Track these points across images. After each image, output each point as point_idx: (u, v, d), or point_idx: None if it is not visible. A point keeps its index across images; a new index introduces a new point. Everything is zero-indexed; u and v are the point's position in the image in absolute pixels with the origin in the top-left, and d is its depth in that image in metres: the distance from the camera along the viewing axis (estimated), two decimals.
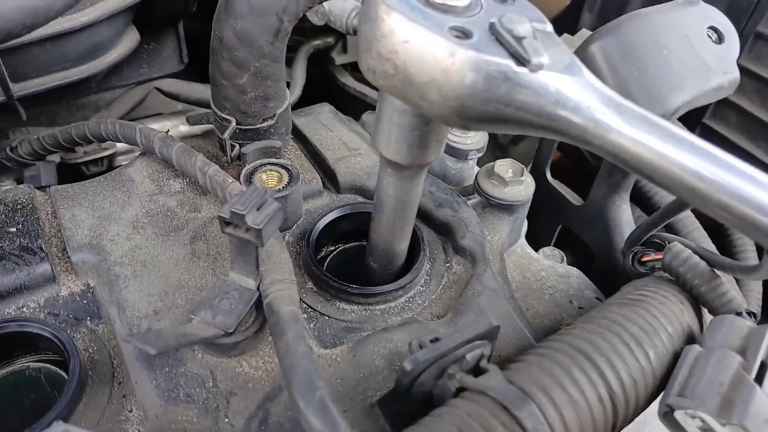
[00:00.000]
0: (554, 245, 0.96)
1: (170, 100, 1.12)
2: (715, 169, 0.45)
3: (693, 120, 1.14)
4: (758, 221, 0.45)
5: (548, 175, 0.95)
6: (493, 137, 1.11)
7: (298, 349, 0.51)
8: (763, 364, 0.55)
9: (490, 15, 0.47)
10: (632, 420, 0.57)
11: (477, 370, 0.52)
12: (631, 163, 0.46)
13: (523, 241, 0.87)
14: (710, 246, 0.92)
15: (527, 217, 0.93)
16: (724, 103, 1.11)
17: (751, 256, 0.99)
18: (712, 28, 0.82)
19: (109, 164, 1.09)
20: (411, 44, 0.44)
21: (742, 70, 1.07)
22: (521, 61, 0.44)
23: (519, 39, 0.45)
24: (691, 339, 0.61)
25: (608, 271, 0.89)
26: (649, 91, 0.76)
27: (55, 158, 1.01)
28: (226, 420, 0.56)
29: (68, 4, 0.59)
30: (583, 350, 0.53)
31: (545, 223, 0.97)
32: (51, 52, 0.80)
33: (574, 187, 0.99)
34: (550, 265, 0.83)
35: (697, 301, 0.64)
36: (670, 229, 0.94)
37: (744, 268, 0.61)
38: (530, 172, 0.99)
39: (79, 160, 1.05)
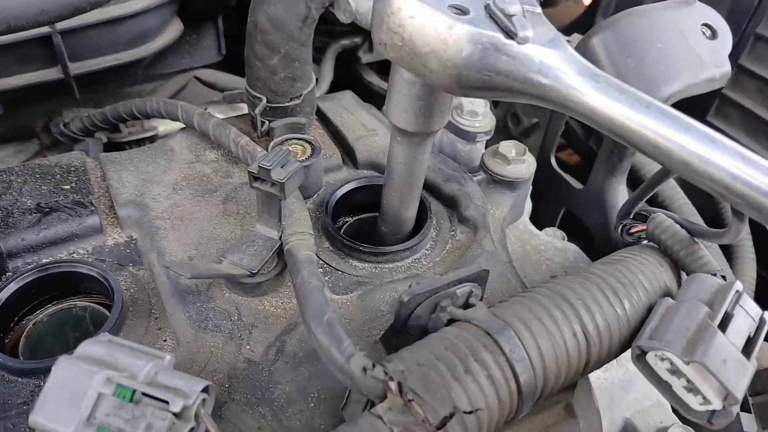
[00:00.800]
0: (560, 228, 1.03)
1: (208, 90, 1.22)
2: (674, 131, 0.52)
3: (697, 118, 1.19)
4: (716, 177, 0.51)
5: (553, 161, 1.02)
6: (505, 129, 1.18)
7: (311, 282, 0.59)
8: (726, 314, 0.61)
9: None
10: (606, 362, 0.63)
11: (466, 306, 0.59)
12: (604, 124, 0.53)
13: (526, 219, 0.94)
14: (696, 217, 0.98)
15: (533, 200, 1.01)
16: (727, 101, 1.17)
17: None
18: (706, 25, 0.89)
19: (150, 144, 1.19)
20: (416, 19, 0.52)
21: (744, 70, 1.13)
22: (510, 34, 0.52)
23: (509, 16, 0.52)
24: (668, 295, 0.67)
25: (606, 251, 0.95)
26: (644, 80, 0.83)
27: (102, 137, 1.11)
28: (248, 347, 0.64)
29: None
30: (562, 294, 0.60)
31: (549, 207, 1.04)
32: (105, 35, 0.90)
33: (579, 177, 1.06)
34: (550, 241, 0.90)
35: (676, 265, 0.70)
36: (661, 204, 1.00)
37: (716, 233, 0.67)
38: (537, 159, 1.06)
39: (123, 140, 1.15)
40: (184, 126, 0.91)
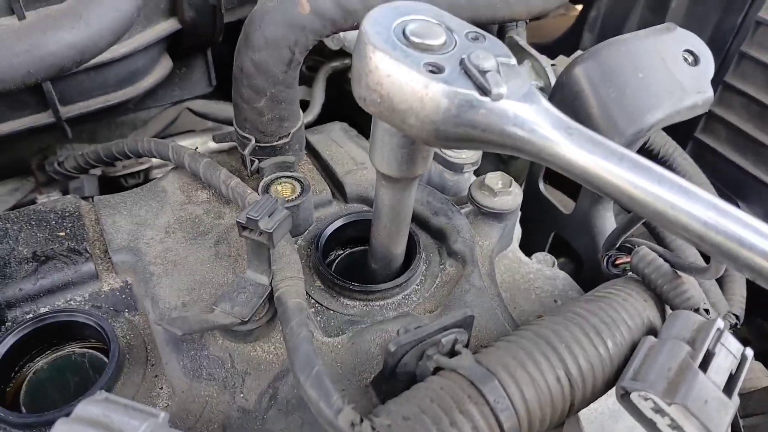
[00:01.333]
0: (551, 252, 1.04)
1: (200, 119, 1.23)
2: (648, 182, 0.53)
3: (685, 134, 1.21)
4: (689, 228, 0.52)
5: (541, 186, 1.03)
6: (492, 153, 1.20)
7: (301, 333, 0.61)
8: (708, 353, 0.63)
9: (462, 51, 0.56)
10: (590, 402, 0.65)
11: (452, 353, 0.60)
12: (579, 176, 0.54)
13: (515, 246, 0.95)
14: (692, 251, 0.99)
15: (522, 225, 1.02)
16: (714, 118, 1.18)
17: None
18: (688, 51, 0.90)
19: (145, 177, 1.20)
20: (393, 78, 0.53)
21: (729, 87, 1.14)
22: (485, 91, 0.53)
23: (483, 72, 0.53)
24: (652, 332, 0.68)
25: (595, 275, 0.96)
26: (627, 110, 0.84)
27: (97, 172, 1.13)
28: (242, 395, 0.66)
29: (110, 42, 0.70)
30: (545, 337, 0.61)
31: (539, 231, 1.05)
32: (94, 79, 0.92)
33: (572, 194, 1.07)
34: (539, 269, 0.91)
35: (660, 299, 0.71)
36: (657, 235, 1.01)
37: (699, 269, 0.68)
38: (525, 183, 1.08)
39: (118, 173, 1.16)
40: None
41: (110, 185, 1.16)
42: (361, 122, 1.19)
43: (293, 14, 0.75)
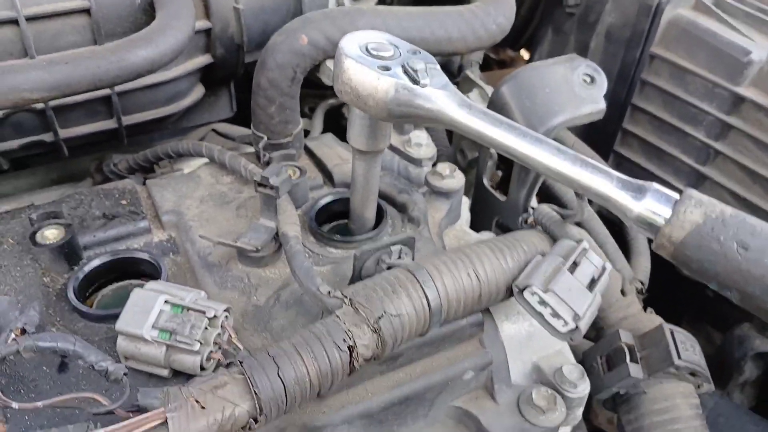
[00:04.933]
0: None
1: (222, 139, 1.55)
2: (515, 137, 0.82)
3: (606, 148, 1.52)
4: (548, 167, 0.82)
5: (485, 181, 1.33)
6: (455, 162, 1.50)
7: (296, 247, 0.90)
8: (575, 263, 0.91)
9: (404, 59, 0.86)
10: (497, 300, 0.92)
11: (399, 259, 0.89)
12: (475, 136, 0.84)
13: (463, 222, 1.24)
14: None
15: (471, 213, 1.31)
16: (628, 133, 1.49)
17: None
18: (586, 74, 1.21)
19: None
20: (357, 75, 0.83)
21: (637, 108, 1.46)
22: (415, 81, 0.83)
23: (416, 71, 0.84)
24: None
25: None
26: (537, 115, 1.15)
27: (140, 176, 1.43)
28: (255, 298, 0.94)
29: (170, 59, 1.02)
30: (463, 251, 0.90)
31: (485, 217, 1.34)
32: (149, 95, 1.24)
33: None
34: (479, 237, 1.20)
35: (552, 238, 1.00)
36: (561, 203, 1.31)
37: (571, 213, 0.97)
38: (475, 181, 1.38)
39: (156, 177, 1.47)
40: (206, 162, 1.24)
41: None
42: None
43: (296, 45, 1.07)
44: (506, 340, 1.03)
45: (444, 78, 0.87)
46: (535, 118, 1.15)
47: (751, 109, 1.23)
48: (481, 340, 0.99)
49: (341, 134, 1.86)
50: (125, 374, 0.68)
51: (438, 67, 0.88)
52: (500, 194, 1.35)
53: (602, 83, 1.21)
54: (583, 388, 1.02)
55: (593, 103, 1.19)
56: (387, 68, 0.84)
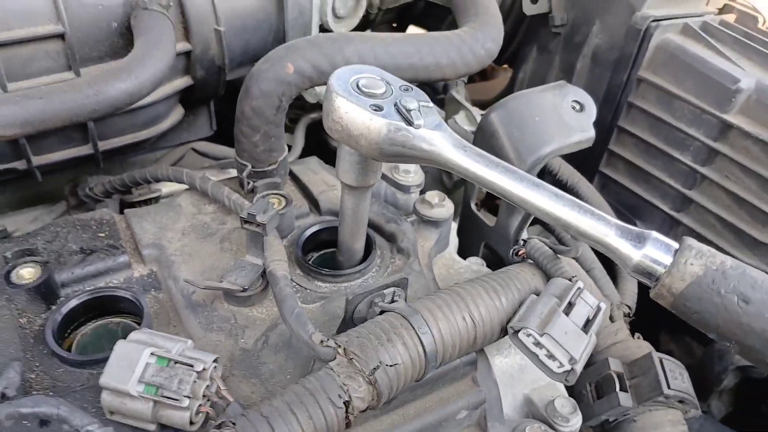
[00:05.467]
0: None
1: (202, 158, 1.51)
2: (511, 180, 0.80)
3: (592, 169, 1.52)
4: (545, 211, 0.80)
5: (473, 206, 1.32)
6: (441, 182, 1.49)
7: (286, 290, 0.87)
8: (570, 304, 0.90)
9: (396, 98, 0.84)
10: (491, 341, 0.90)
11: (392, 302, 0.87)
12: (471, 177, 0.82)
13: (452, 250, 1.23)
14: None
15: (459, 237, 1.30)
16: (614, 155, 1.49)
17: None
18: (575, 101, 1.21)
19: (155, 203, 1.46)
20: (349, 114, 0.81)
21: (623, 130, 1.46)
22: (409, 122, 0.81)
23: (409, 110, 0.82)
24: (535, 294, 0.95)
25: None
26: (526, 145, 1.14)
27: (116, 199, 1.38)
28: (242, 340, 0.91)
29: (150, 90, 0.98)
30: (457, 292, 0.88)
31: (472, 242, 1.33)
32: (126, 120, 1.19)
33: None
34: (468, 265, 1.18)
35: (545, 274, 0.99)
36: (557, 235, 1.30)
37: (567, 249, 0.96)
38: (462, 206, 1.36)
39: (134, 200, 1.42)
40: (185, 187, 1.20)
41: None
42: (331, 161, 1.47)
43: (281, 73, 1.04)
44: (498, 374, 1.02)
45: (437, 117, 0.85)
46: (525, 148, 1.14)
47: (738, 136, 1.23)
48: (474, 378, 0.97)
49: (322, 149, 1.85)
50: None
51: (431, 104, 0.86)
52: (486, 215, 1.34)
53: (591, 111, 1.20)
54: (576, 422, 1.01)
55: (582, 132, 1.18)
56: (379, 107, 0.81)
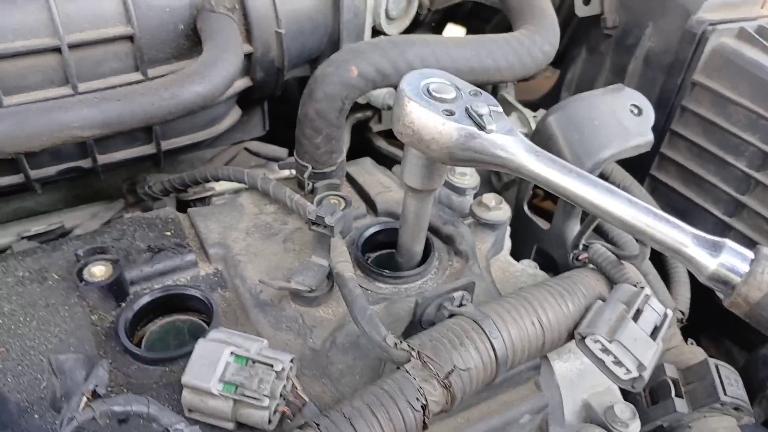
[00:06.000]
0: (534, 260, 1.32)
1: (254, 157, 1.53)
2: (585, 186, 0.81)
3: (643, 172, 1.51)
4: (619, 218, 0.80)
5: (525, 208, 1.32)
6: (489, 184, 1.49)
7: (356, 291, 0.88)
8: (638, 311, 0.90)
9: (466, 102, 0.84)
10: (558, 345, 0.91)
11: (461, 306, 0.88)
12: (543, 183, 0.83)
13: (506, 253, 1.23)
14: (635, 245, 1.26)
15: (512, 239, 1.30)
16: (665, 158, 1.48)
17: None
18: (634, 105, 1.20)
19: (208, 202, 1.49)
20: (421, 119, 0.81)
21: (675, 133, 1.45)
22: (481, 127, 0.82)
23: (480, 115, 0.82)
24: (601, 300, 0.95)
25: None
26: (585, 149, 1.14)
27: (173, 197, 1.41)
28: (311, 340, 0.93)
29: (222, 92, 1.00)
30: (525, 297, 0.89)
31: (524, 244, 1.33)
32: (188, 121, 1.21)
33: (547, 218, 1.36)
34: (524, 269, 1.18)
35: (609, 280, 0.99)
36: (609, 238, 1.29)
37: (633, 256, 0.96)
38: (513, 207, 1.36)
39: (188, 198, 1.44)
40: (235, 186, 1.22)
41: (182, 208, 1.44)
42: (379, 163, 1.48)
43: (346, 77, 1.05)
44: (558, 379, 1.02)
45: (508, 122, 0.85)
46: (583, 151, 1.14)
47: None
48: (537, 383, 0.98)
49: (366, 148, 1.86)
50: None
51: (500, 109, 0.87)
52: (539, 219, 1.34)
53: (649, 114, 1.20)
54: (635, 427, 1.02)
55: (641, 136, 1.18)
56: (451, 112, 0.82)
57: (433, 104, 0.82)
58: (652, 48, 1.44)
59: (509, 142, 0.82)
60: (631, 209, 0.79)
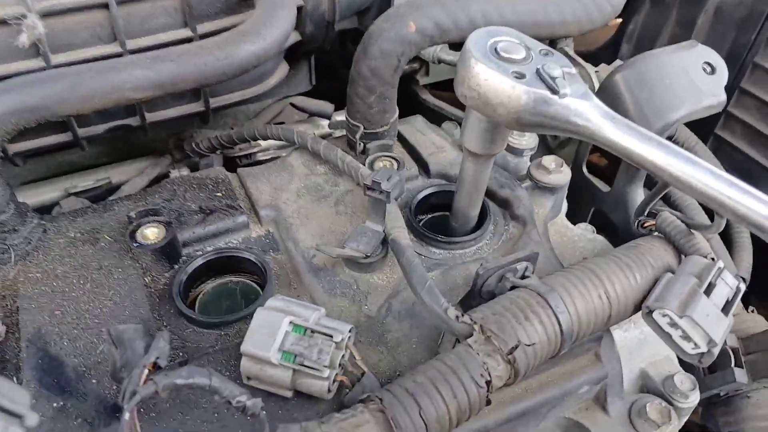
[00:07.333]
0: (590, 224, 1.27)
1: (298, 112, 1.49)
2: (665, 155, 0.76)
3: (707, 131, 1.43)
4: (695, 187, 0.75)
5: (584, 169, 1.26)
6: (543, 142, 1.43)
7: (414, 260, 0.85)
8: (710, 284, 0.85)
9: (537, 63, 0.79)
10: (624, 318, 0.87)
11: (524, 277, 0.84)
12: (619, 151, 0.78)
13: (563, 216, 1.19)
14: (701, 214, 1.21)
15: (568, 201, 1.25)
16: (732, 117, 1.39)
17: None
18: (707, 62, 1.12)
19: (254, 159, 1.46)
20: (489, 81, 0.77)
21: (745, 92, 1.36)
22: (554, 91, 0.77)
23: (553, 78, 0.77)
24: (670, 272, 0.91)
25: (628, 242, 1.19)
26: (655, 109, 1.07)
27: (220, 154, 1.39)
28: (366, 307, 0.91)
29: (276, 51, 0.95)
30: (591, 269, 0.85)
31: (582, 207, 1.28)
32: (237, 78, 1.18)
33: (606, 179, 1.30)
34: (582, 233, 1.14)
35: (677, 249, 0.94)
36: (673, 203, 1.24)
37: (706, 226, 0.91)
38: (570, 167, 1.31)
39: (235, 155, 1.42)
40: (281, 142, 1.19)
41: (228, 164, 1.43)
42: (425, 117, 1.43)
43: (403, 32, 1.00)
44: (618, 349, 0.99)
45: (583, 85, 0.80)
46: (653, 112, 1.07)
47: None
48: (597, 354, 0.95)
49: (412, 99, 1.80)
50: (263, 409, 0.66)
51: (574, 71, 0.81)
52: (598, 181, 1.29)
53: (723, 73, 1.12)
54: (694, 398, 0.98)
55: (713, 96, 1.10)
56: (521, 74, 0.77)
57: (502, 66, 0.77)
58: (725, 1, 1.34)
59: (584, 108, 0.77)
60: (715, 181, 0.74)
